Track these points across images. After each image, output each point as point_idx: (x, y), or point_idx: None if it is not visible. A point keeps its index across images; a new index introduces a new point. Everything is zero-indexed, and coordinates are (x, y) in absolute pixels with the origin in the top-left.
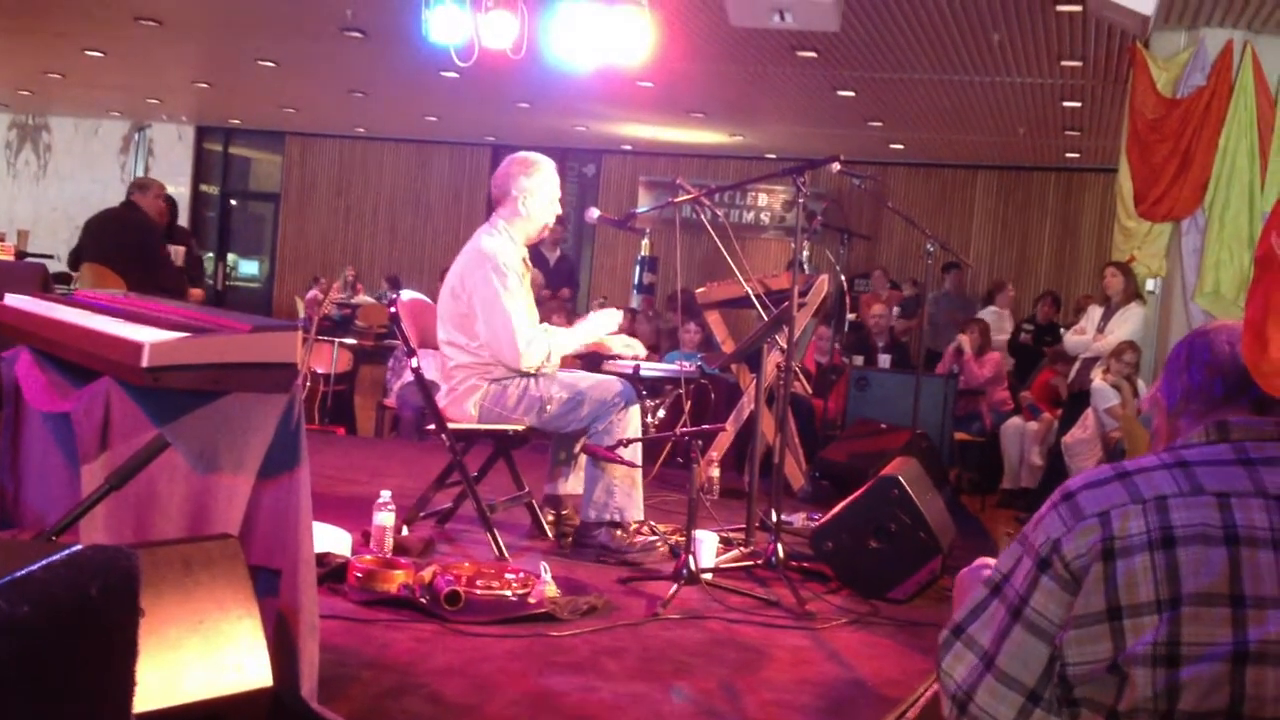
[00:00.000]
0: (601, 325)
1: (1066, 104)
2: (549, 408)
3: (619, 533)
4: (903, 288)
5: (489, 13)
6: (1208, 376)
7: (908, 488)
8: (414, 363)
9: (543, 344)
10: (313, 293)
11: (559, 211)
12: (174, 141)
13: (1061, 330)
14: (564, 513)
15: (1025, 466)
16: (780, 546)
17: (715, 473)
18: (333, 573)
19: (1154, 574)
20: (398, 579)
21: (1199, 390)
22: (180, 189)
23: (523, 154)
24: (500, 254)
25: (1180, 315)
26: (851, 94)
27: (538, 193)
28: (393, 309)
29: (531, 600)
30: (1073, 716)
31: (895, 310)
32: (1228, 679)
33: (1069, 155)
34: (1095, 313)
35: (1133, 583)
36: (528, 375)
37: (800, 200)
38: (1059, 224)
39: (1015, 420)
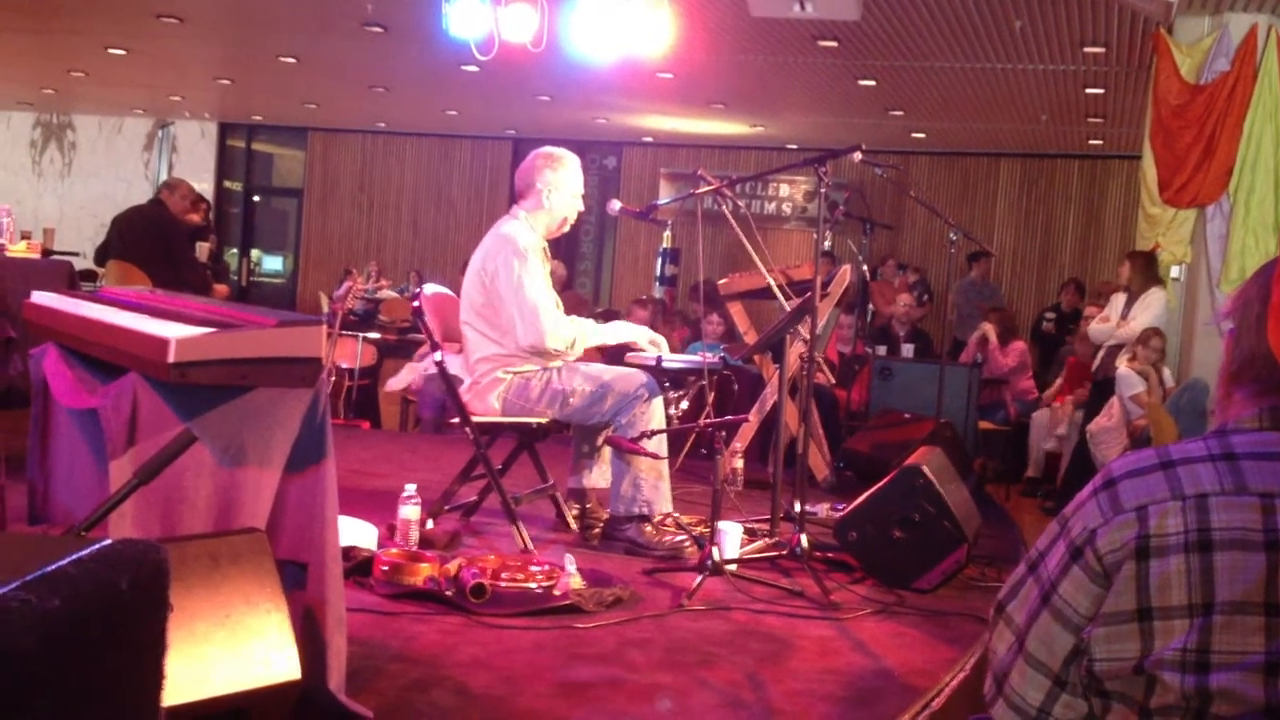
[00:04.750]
0: (635, 333)
1: (1089, 91)
2: (572, 400)
3: (648, 528)
4: (907, 273)
5: (509, 6)
6: None
7: (932, 477)
8: (437, 356)
9: (570, 329)
10: (346, 284)
11: (581, 208)
12: (197, 138)
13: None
14: (588, 505)
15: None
16: (804, 537)
17: (739, 464)
18: (359, 566)
19: (1188, 578)
20: (423, 572)
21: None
22: (204, 185)
23: (548, 148)
24: (520, 238)
25: (1206, 302)
26: (873, 83)
27: (562, 187)
28: (416, 303)
29: (557, 592)
30: (1105, 709)
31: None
32: (1261, 689)
33: (1092, 142)
34: (1119, 300)
35: (1166, 585)
36: (550, 368)
37: (822, 190)
38: (1083, 212)
39: (1045, 410)
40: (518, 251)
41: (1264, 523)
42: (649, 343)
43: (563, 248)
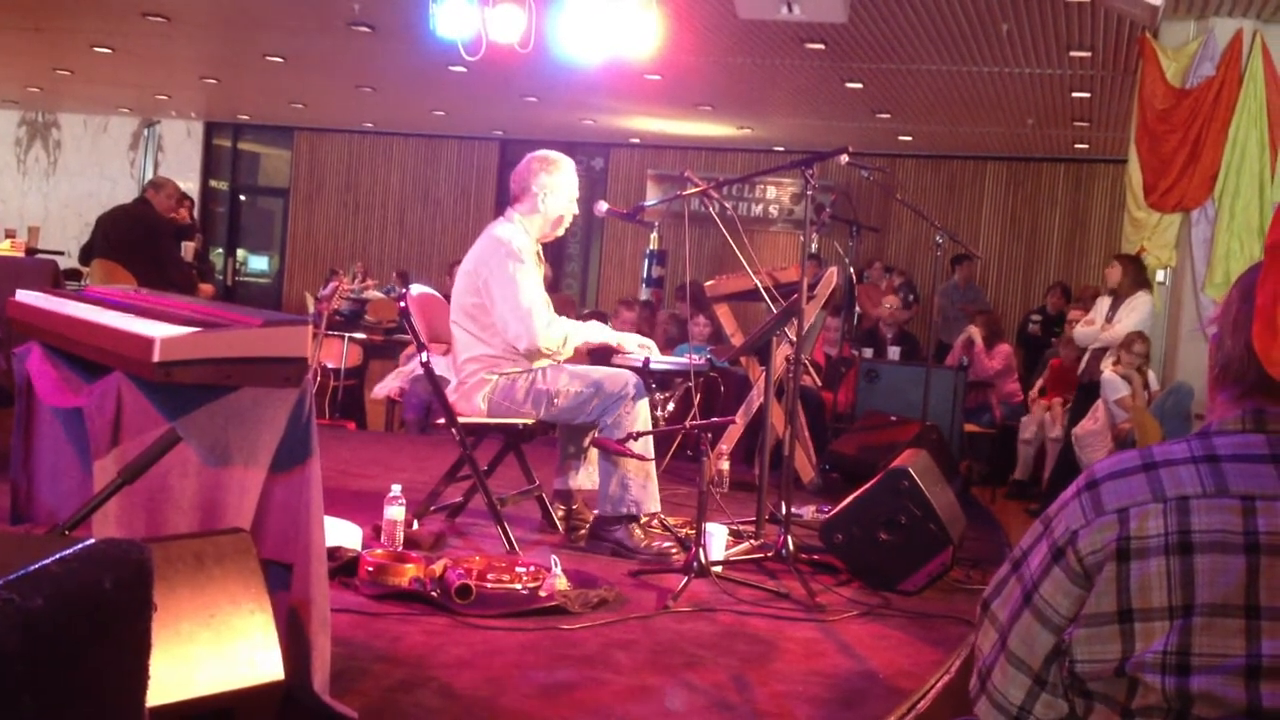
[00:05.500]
0: (622, 338)
1: (1075, 95)
2: (558, 401)
3: (635, 530)
4: (893, 276)
5: (496, 7)
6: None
7: (918, 480)
8: (423, 357)
9: (560, 328)
10: (332, 284)
11: (576, 211)
12: (183, 137)
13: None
14: (574, 507)
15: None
16: (790, 539)
17: (725, 465)
18: (344, 567)
19: (1168, 580)
20: (409, 573)
21: (1249, 359)
22: (190, 185)
23: (544, 152)
24: (514, 240)
25: (1190, 306)
26: (860, 86)
27: (557, 191)
28: (402, 304)
29: (542, 594)
30: (1087, 709)
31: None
32: (1242, 691)
33: (1078, 146)
34: (1104, 304)
35: (1146, 586)
36: (535, 369)
37: (809, 193)
38: (1068, 215)
39: (1030, 416)
40: (513, 254)
41: (1244, 525)
42: (638, 345)
43: (550, 249)
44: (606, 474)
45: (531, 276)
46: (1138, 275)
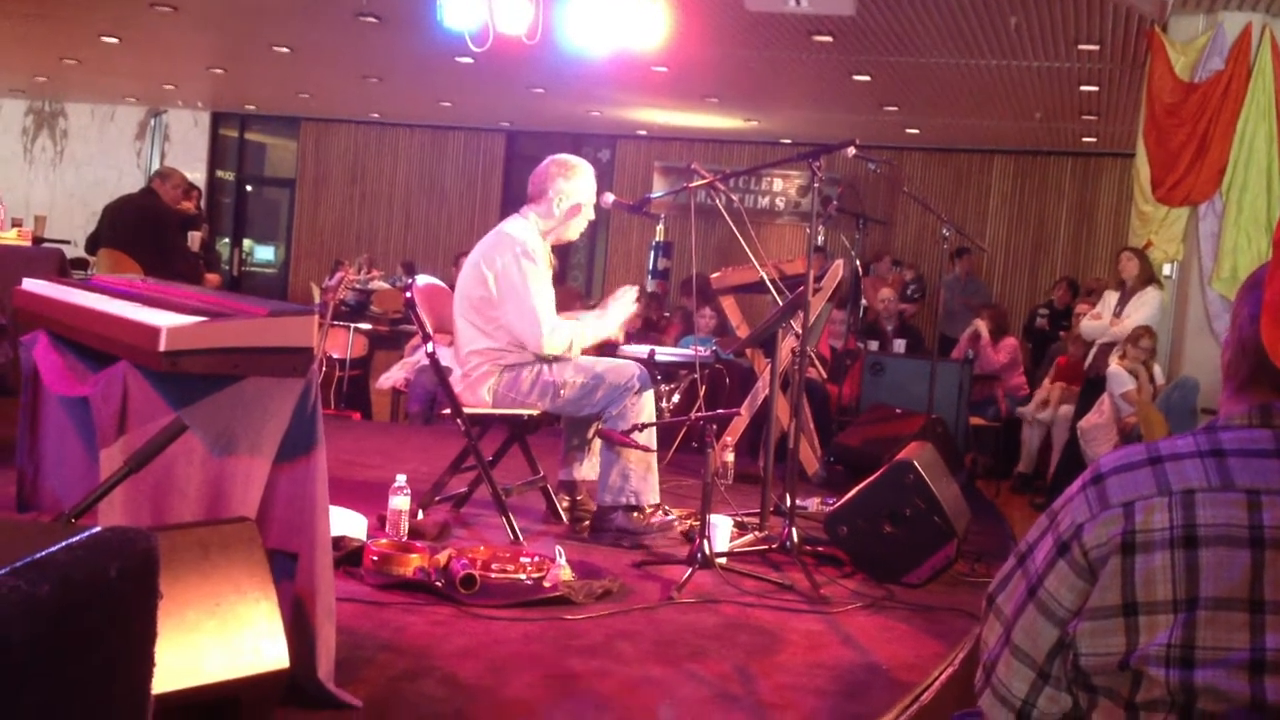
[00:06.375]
0: (619, 311)
1: (1084, 88)
2: (563, 392)
3: (635, 515)
4: (902, 270)
5: None
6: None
7: (922, 472)
8: (429, 347)
9: (566, 332)
10: (338, 275)
11: (591, 217)
12: (190, 127)
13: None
14: (578, 498)
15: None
16: (795, 531)
17: (730, 457)
18: (349, 556)
19: (1173, 573)
20: (413, 563)
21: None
22: (196, 175)
23: (564, 156)
24: (528, 240)
25: (1197, 300)
26: (867, 78)
27: (573, 197)
28: (408, 294)
29: (546, 584)
30: (1091, 703)
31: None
32: (1246, 685)
33: (1086, 140)
34: (1111, 297)
35: (1151, 580)
36: (542, 361)
37: (815, 185)
38: (1075, 209)
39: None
40: (527, 253)
41: (1249, 519)
42: (611, 300)
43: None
44: (608, 464)
45: (542, 278)
46: (1149, 270)
